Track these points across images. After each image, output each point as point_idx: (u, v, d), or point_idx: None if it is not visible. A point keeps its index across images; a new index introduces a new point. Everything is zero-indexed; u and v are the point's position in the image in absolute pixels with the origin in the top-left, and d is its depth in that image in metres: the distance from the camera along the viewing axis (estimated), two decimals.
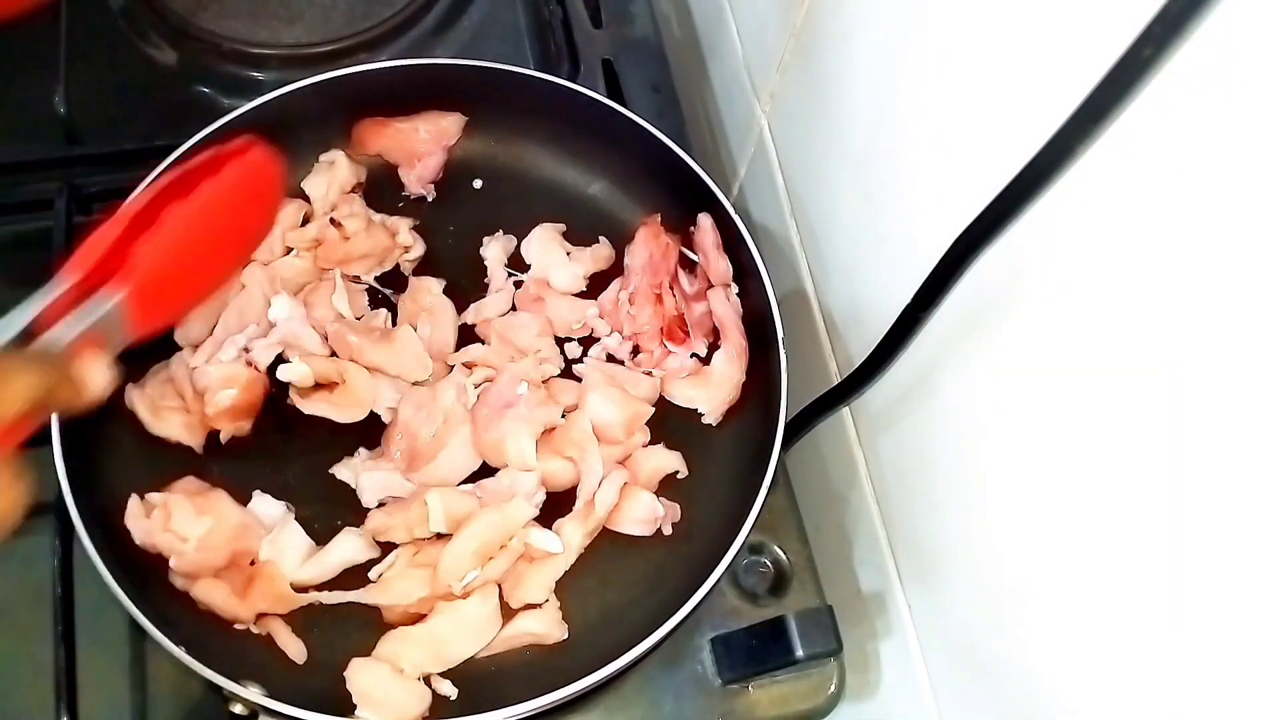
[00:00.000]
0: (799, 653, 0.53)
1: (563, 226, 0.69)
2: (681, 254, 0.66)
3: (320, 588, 0.56)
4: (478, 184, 0.70)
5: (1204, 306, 0.32)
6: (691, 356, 0.64)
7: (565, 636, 0.56)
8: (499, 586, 0.56)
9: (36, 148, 0.68)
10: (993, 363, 0.45)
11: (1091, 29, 0.34)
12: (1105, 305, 0.37)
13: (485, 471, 0.60)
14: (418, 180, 0.67)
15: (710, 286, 0.65)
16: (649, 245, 0.65)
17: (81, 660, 0.53)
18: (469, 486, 0.59)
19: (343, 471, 0.59)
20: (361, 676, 0.52)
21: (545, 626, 0.56)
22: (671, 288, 0.66)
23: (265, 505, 0.57)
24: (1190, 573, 0.34)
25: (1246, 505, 0.31)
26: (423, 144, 0.68)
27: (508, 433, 0.59)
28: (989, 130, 0.42)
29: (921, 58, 0.47)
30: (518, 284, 0.66)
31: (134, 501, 0.55)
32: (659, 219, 0.66)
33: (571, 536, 0.57)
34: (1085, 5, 0.35)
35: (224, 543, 0.55)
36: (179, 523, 0.54)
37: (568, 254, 0.67)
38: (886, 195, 0.54)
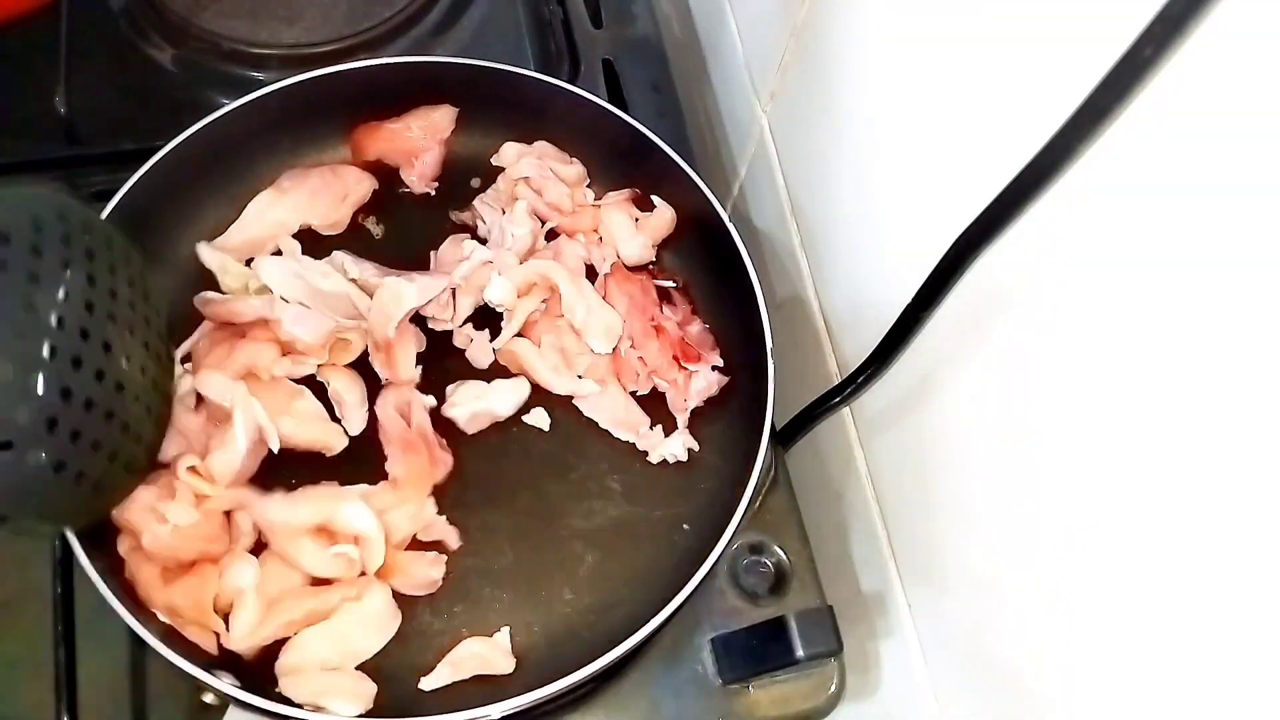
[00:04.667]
0: (799, 653, 0.53)
1: (635, 191, 0.68)
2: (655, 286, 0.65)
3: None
4: (475, 183, 0.70)
5: (1208, 306, 0.32)
6: (713, 369, 0.63)
7: (511, 669, 0.55)
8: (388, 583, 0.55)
9: (36, 148, 0.68)
10: (993, 363, 0.45)
11: (1091, 29, 0.34)
12: (1105, 304, 0.37)
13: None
14: (420, 180, 0.67)
15: (694, 310, 0.65)
16: (624, 289, 0.65)
17: (81, 660, 0.53)
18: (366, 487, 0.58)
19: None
20: (298, 688, 0.52)
21: (493, 655, 0.55)
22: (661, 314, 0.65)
23: (244, 520, 0.56)
24: (1190, 573, 0.34)
25: (1248, 506, 0.31)
26: (417, 141, 0.68)
27: None
28: (990, 130, 0.42)
29: (922, 57, 0.47)
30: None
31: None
32: (620, 263, 0.66)
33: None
34: (1085, 5, 0.35)
35: (198, 541, 0.54)
36: (168, 507, 0.53)
37: (635, 220, 0.66)
38: (887, 195, 0.54)
